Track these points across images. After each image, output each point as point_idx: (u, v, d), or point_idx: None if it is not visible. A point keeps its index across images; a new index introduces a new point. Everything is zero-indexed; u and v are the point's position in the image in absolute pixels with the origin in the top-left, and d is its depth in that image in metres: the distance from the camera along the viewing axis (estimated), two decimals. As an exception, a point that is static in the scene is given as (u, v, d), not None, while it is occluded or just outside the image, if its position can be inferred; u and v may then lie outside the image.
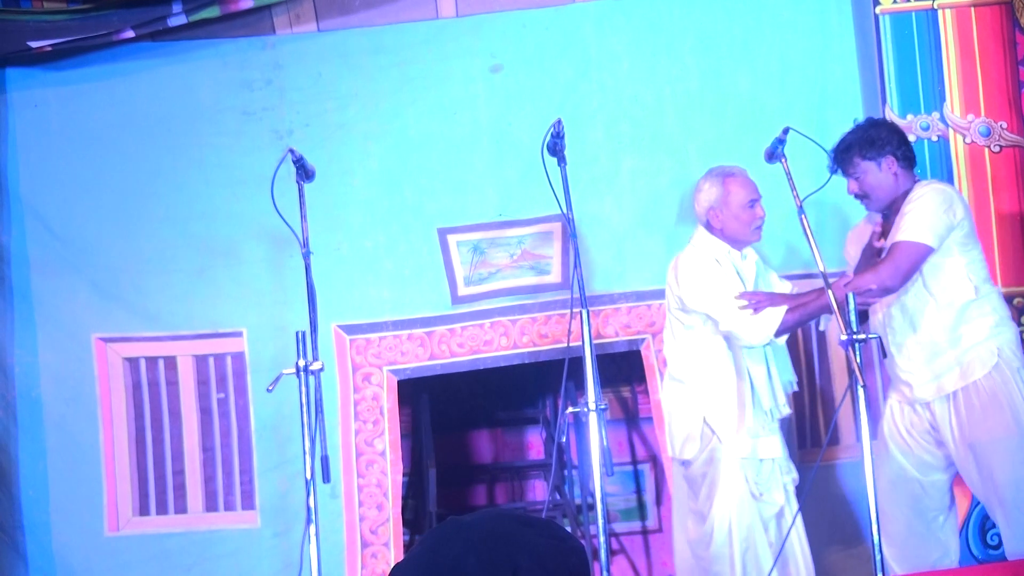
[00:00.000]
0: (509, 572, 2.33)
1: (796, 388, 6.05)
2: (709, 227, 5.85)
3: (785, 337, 5.89)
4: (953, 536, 5.81)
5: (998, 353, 5.51)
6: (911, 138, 6.39)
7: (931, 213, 5.49)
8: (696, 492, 5.77)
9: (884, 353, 5.41)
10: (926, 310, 5.59)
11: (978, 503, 6.15)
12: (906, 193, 5.64)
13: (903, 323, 5.65)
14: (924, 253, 5.49)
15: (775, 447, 5.75)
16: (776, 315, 5.62)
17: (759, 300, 5.67)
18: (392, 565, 6.44)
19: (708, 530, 5.65)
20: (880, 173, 5.66)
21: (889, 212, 5.72)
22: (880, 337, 5.19)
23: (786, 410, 5.80)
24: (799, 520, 5.71)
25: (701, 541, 5.69)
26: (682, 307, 5.80)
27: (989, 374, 5.48)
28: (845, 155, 5.70)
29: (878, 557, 4.90)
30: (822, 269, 5.14)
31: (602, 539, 4.80)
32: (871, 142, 5.66)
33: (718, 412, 5.68)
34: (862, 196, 5.73)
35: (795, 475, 5.84)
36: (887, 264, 5.49)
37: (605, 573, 4.77)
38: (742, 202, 5.78)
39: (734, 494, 5.60)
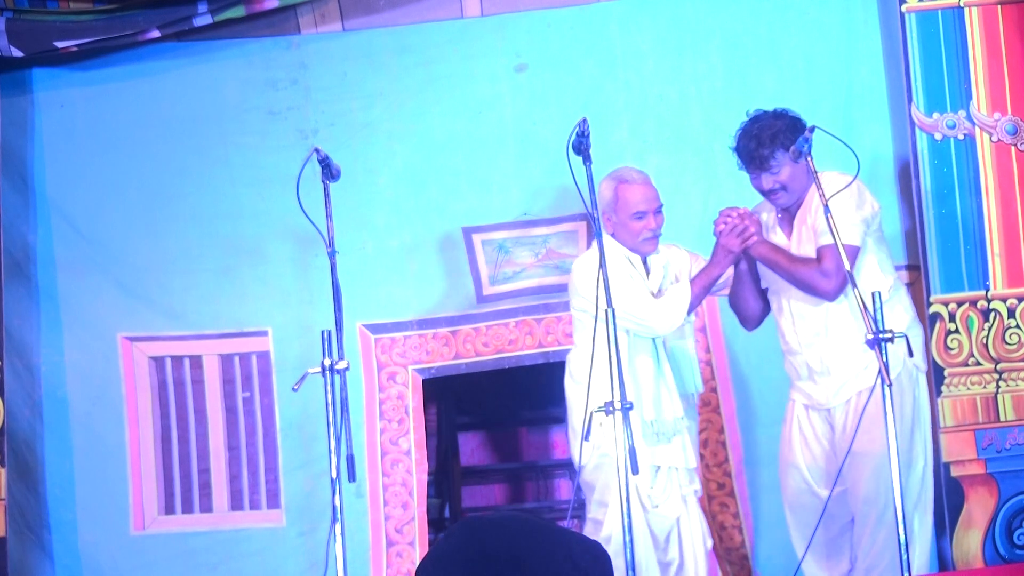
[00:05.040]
0: (565, 560, 2.32)
1: (701, 389, 5.83)
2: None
3: (691, 342, 5.75)
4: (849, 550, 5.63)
5: (903, 359, 5.31)
6: (937, 136, 6.36)
7: (851, 211, 5.33)
8: (589, 499, 5.62)
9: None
10: (839, 309, 5.44)
11: (1004, 502, 6.12)
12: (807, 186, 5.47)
13: (813, 322, 5.51)
14: (854, 254, 5.33)
15: (672, 455, 5.53)
16: (681, 293, 5.49)
17: None
18: (417, 564, 6.48)
19: (605, 539, 5.36)
20: (797, 164, 5.40)
21: (793, 206, 5.58)
22: (907, 336, 5.09)
23: (667, 426, 5.54)
24: (699, 531, 5.61)
25: None
26: (581, 307, 5.59)
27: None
28: (770, 147, 5.42)
29: (904, 556, 4.88)
30: (848, 268, 5.10)
31: (626, 538, 4.78)
32: (790, 131, 5.41)
33: (605, 417, 4.98)
34: (779, 190, 5.52)
35: (698, 486, 5.66)
36: (828, 265, 5.34)
37: (631, 572, 4.76)
38: (630, 212, 5.57)
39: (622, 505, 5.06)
